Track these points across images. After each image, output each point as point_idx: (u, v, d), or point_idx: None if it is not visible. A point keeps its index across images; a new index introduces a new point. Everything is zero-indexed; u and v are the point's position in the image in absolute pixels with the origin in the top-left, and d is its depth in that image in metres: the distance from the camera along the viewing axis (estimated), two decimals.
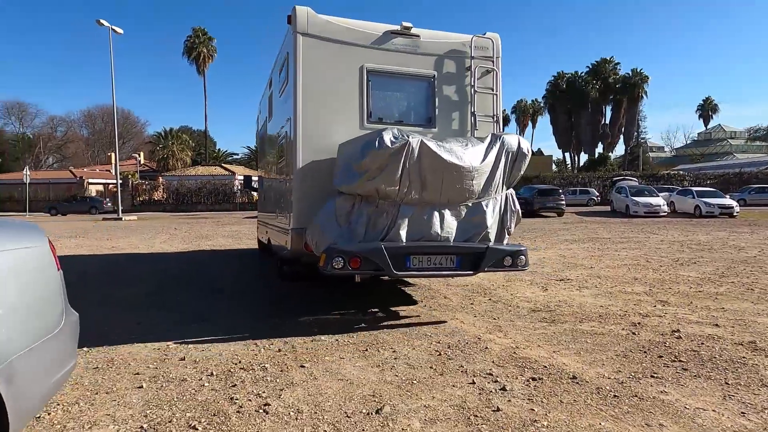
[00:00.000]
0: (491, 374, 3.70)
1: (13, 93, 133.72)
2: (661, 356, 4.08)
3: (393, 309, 5.87)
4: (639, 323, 5.13)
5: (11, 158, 65.46)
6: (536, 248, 11.98)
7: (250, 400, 3.26)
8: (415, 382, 3.56)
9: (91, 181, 43.65)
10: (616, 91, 68.16)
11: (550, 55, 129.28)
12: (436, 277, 6.66)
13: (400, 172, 4.70)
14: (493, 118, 6.21)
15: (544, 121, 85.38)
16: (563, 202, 26.10)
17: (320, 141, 5.54)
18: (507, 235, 5.43)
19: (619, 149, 73.70)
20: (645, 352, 4.21)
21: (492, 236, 5.26)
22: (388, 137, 4.62)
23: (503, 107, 6.77)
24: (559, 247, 12.25)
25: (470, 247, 5.09)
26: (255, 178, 12.55)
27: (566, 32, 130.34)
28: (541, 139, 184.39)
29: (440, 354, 4.17)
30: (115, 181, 31.61)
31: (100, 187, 44.40)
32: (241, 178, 12.90)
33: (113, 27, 28.01)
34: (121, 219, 27.26)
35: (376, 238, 4.89)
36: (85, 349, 4.25)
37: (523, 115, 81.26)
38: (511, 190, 5.53)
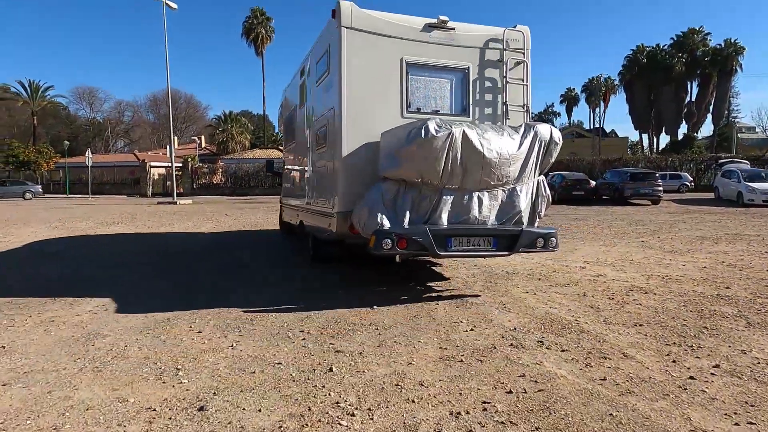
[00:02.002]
0: None
1: (83, 79, 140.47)
2: None
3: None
4: None
5: (83, 142, 67.71)
6: (675, 250, 9.03)
7: None
8: None
9: (153, 164, 43.32)
10: (704, 65, 61.20)
11: (623, 29, 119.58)
12: (474, 257, 6.76)
13: (443, 160, 4.93)
14: (524, 108, 6.41)
15: (617, 101, 78.81)
16: (660, 189, 22.20)
17: (363, 129, 5.72)
18: (538, 219, 5.72)
19: (705, 130, 66.67)
20: None
21: (525, 220, 5.54)
22: (432, 127, 4.82)
23: (574, 87, 6.49)
24: (705, 250, 9.13)
25: (506, 229, 5.37)
26: (278, 162, 12.03)
27: (643, 2, 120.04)
28: (614, 119, 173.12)
29: None
30: (176, 164, 30.71)
31: (162, 170, 44.10)
32: None
33: (167, 2, 26.88)
34: (175, 203, 26.28)
35: (420, 221, 5.18)
36: None
37: (596, 94, 75.00)
38: (542, 177, 5.76)
